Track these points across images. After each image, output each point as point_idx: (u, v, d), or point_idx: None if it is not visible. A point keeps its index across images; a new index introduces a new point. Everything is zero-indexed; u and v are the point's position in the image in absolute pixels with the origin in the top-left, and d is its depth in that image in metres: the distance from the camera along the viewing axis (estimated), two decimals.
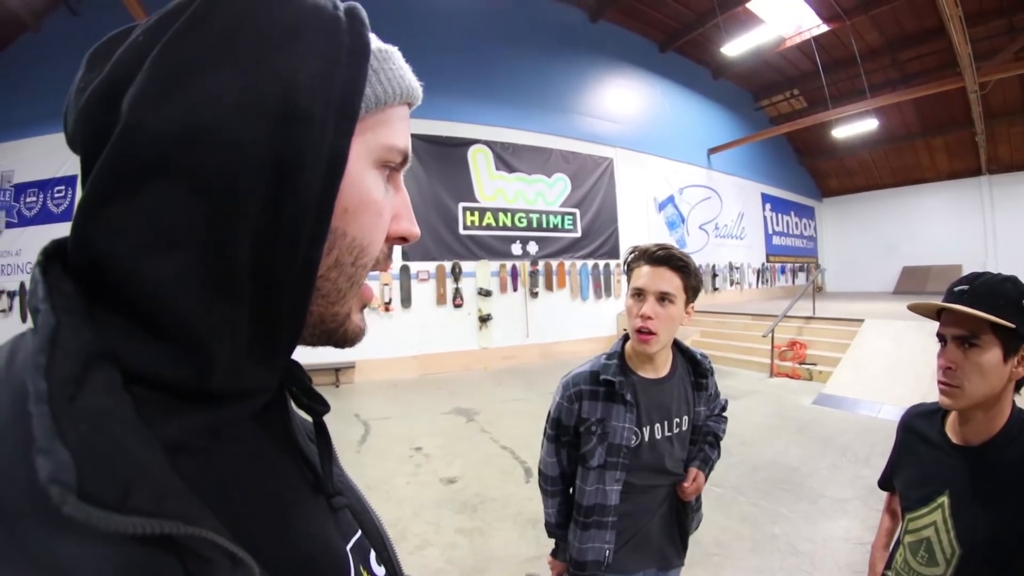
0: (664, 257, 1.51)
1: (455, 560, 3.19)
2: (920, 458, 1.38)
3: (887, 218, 18.82)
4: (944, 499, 1.26)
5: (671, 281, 1.50)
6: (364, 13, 0.42)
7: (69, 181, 8.02)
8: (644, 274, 1.52)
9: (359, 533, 0.54)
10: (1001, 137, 14.81)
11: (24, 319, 7.45)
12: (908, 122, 16.16)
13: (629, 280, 1.58)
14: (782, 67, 15.13)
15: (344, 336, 0.46)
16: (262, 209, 0.35)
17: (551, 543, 1.78)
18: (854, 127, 14.17)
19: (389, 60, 0.44)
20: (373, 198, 0.42)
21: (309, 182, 0.36)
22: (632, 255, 1.59)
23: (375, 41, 0.43)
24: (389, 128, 0.43)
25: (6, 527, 0.26)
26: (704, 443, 1.76)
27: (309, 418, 0.54)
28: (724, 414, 1.88)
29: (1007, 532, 1.13)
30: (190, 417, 0.35)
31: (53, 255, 0.35)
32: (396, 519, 3.64)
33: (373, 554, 0.55)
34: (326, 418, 0.53)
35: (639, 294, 1.52)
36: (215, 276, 0.35)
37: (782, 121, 16.14)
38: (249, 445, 0.41)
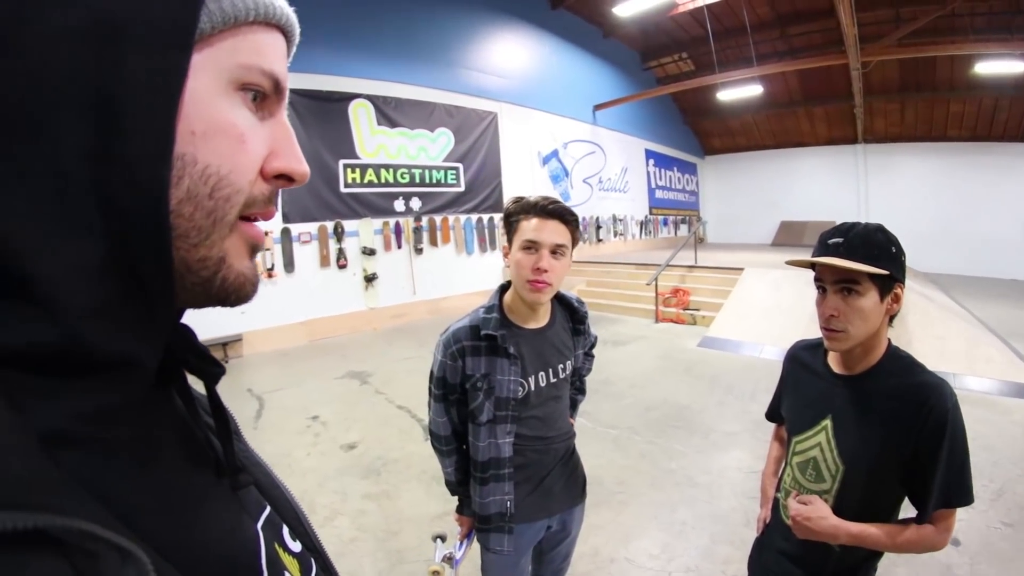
0: (556, 210, 1.56)
1: (367, 527, 3.26)
2: (805, 386, 1.52)
3: (767, 176, 20.76)
4: (827, 422, 1.40)
5: (563, 234, 1.57)
6: None
7: None
8: (536, 227, 1.54)
9: (268, 509, 0.53)
10: (878, 111, 16.84)
11: None
12: (791, 90, 17.78)
13: (512, 231, 1.61)
14: (673, 31, 15.96)
15: (224, 286, 0.42)
16: (94, 132, 0.33)
17: (448, 491, 1.87)
18: (739, 91, 15.34)
19: None
20: (229, 120, 0.40)
21: (138, 99, 0.34)
22: (517, 207, 1.61)
23: None
24: (247, 48, 0.41)
25: None
26: (572, 388, 1.90)
27: (203, 389, 0.52)
28: (592, 351, 2.03)
29: (880, 449, 1.29)
30: (71, 402, 0.34)
31: None
32: (302, 492, 3.62)
33: (286, 529, 0.55)
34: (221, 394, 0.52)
35: (532, 246, 1.55)
36: (61, 208, 0.33)
37: (669, 82, 17.10)
38: (139, 429, 0.39)
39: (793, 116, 18.95)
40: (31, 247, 0.32)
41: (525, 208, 1.58)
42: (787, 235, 19.43)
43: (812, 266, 1.36)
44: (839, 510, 1.37)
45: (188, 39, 0.37)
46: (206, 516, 0.43)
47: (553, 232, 1.55)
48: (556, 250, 1.55)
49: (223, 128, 0.39)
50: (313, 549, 0.58)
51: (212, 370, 0.48)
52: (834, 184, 18.98)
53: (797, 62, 13.06)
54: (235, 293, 0.43)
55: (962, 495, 1.24)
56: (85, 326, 0.34)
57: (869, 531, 1.30)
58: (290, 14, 0.45)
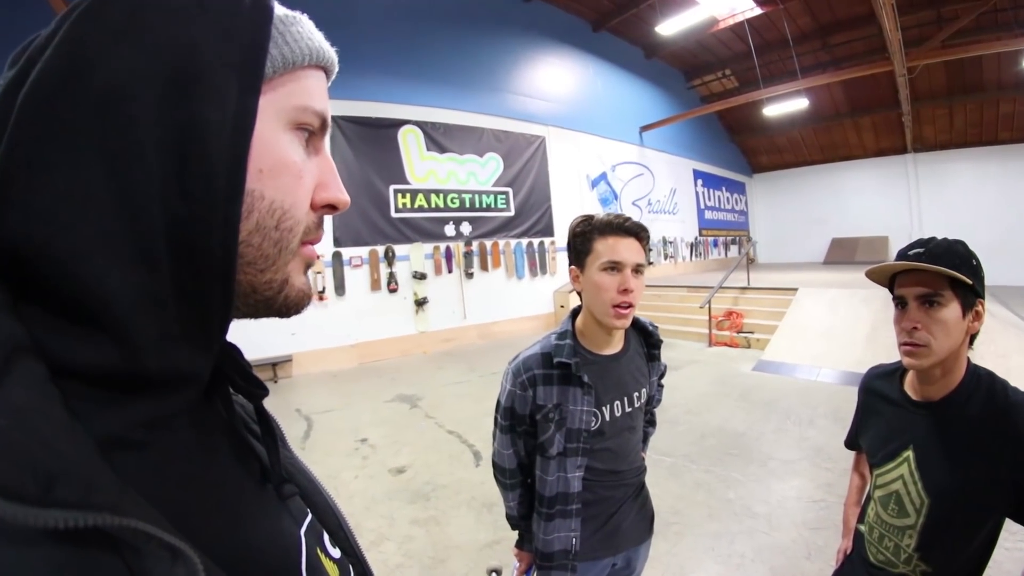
0: (633, 228, 1.47)
1: (413, 553, 3.16)
2: (883, 417, 1.45)
3: (816, 192, 20.12)
4: (909, 453, 1.33)
5: (640, 252, 1.48)
6: None
7: None
8: (619, 246, 1.44)
9: (310, 516, 0.55)
10: (926, 118, 16.06)
11: None
12: (837, 102, 17.27)
13: (585, 252, 1.49)
14: (715, 48, 15.80)
15: (286, 303, 0.45)
16: (170, 172, 0.35)
17: (509, 525, 1.76)
18: (784, 106, 14.94)
19: (296, 24, 0.45)
20: (290, 159, 0.42)
21: (215, 141, 0.36)
22: (589, 225, 1.49)
23: (280, 8, 0.44)
24: (301, 90, 0.44)
25: None
26: (643, 421, 1.81)
27: (250, 404, 0.54)
28: (662, 381, 1.90)
29: (969, 480, 1.22)
30: (126, 410, 0.35)
31: None
32: (348, 515, 3.40)
33: (327, 536, 0.56)
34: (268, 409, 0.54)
35: (614, 267, 1.44)
36: (129, 244, 0.34)
37: (713, 100, 16.91)
38: (189, 436, 0.41)
39: (840, 128, 18.37)
40: (99, 275, 0.34)
41: (600, 227, 1.47)
42: (839, 252, 18.74)
43: (890, 286, 1.32)
44: (928, 547, 1.30)
45: (257, 83, 0.40)
46: (252, 519, 0.45)
47: (633, 250, 1.46)
48: (637, 269, 1.46)
49: (286, 166, 0.42)
50: (352, 555, 0.60)
51: (256, 391, 0.51)
52: (885, 197, 18.21)
53: (841, 72, 12.62)
54: (295, 307, 0.47)
55: None
56: (146, 352, 0.36)
57: None
58: (333, 55, 0.48)
